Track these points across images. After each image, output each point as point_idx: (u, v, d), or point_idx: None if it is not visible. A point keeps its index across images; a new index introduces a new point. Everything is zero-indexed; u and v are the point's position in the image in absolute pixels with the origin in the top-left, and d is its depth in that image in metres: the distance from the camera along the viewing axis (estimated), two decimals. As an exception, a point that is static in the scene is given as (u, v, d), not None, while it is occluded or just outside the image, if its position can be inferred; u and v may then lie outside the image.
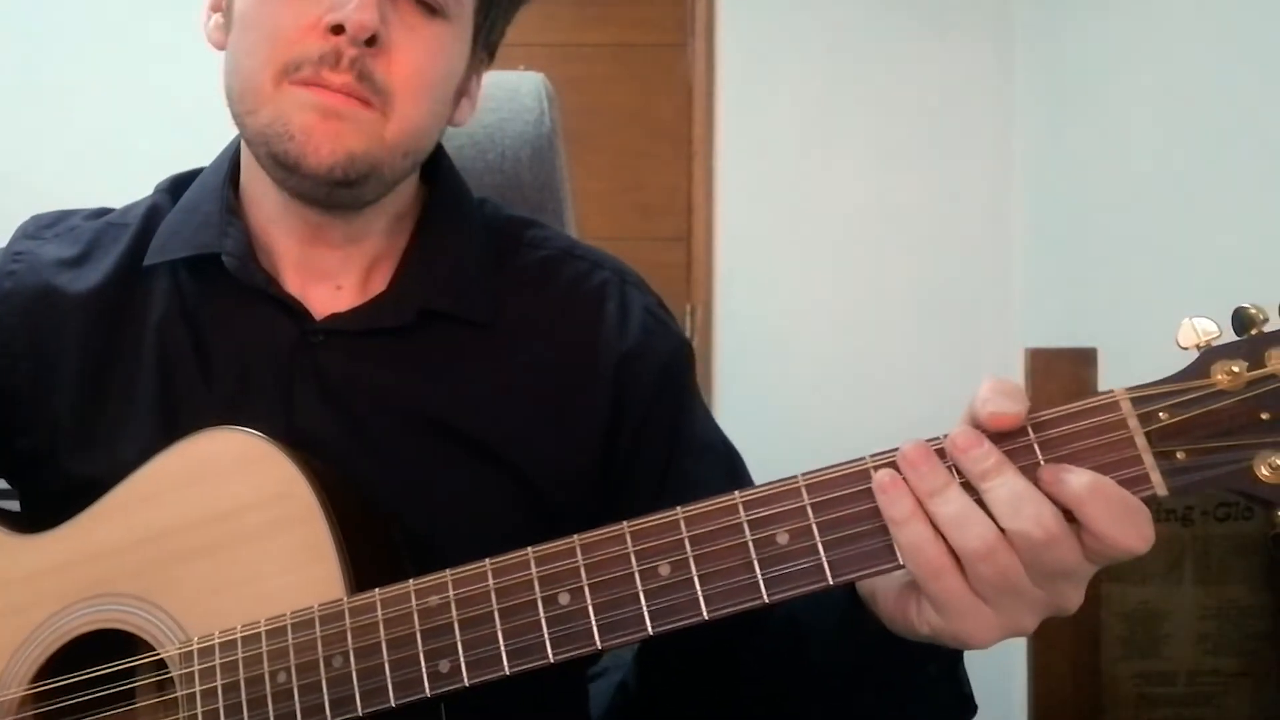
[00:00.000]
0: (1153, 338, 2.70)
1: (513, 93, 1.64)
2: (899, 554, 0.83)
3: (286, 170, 1.11)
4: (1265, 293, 2.30)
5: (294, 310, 1.17)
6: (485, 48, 1.24)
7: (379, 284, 1.20)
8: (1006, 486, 0.81)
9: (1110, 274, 3.09)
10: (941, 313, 3.75)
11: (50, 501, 1.12)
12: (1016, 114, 3.76)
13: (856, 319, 3.76)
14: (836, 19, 3.79)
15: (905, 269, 3.76)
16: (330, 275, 1.20)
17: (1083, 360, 1.82)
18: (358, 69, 1.07)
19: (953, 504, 0.81)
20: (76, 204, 1.32)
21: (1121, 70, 3.07)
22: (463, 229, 1.25)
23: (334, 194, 1.12)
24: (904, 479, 0.83)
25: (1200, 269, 2.64)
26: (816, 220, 3.77)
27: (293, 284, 1.19)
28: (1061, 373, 1.81)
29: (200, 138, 1.35)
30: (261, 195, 1.20)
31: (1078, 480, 0.80)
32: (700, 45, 3.84)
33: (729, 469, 1.23)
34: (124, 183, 1.41)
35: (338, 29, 1.06)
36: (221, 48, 1.17)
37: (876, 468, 0.85)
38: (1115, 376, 1.83)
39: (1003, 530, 0.80)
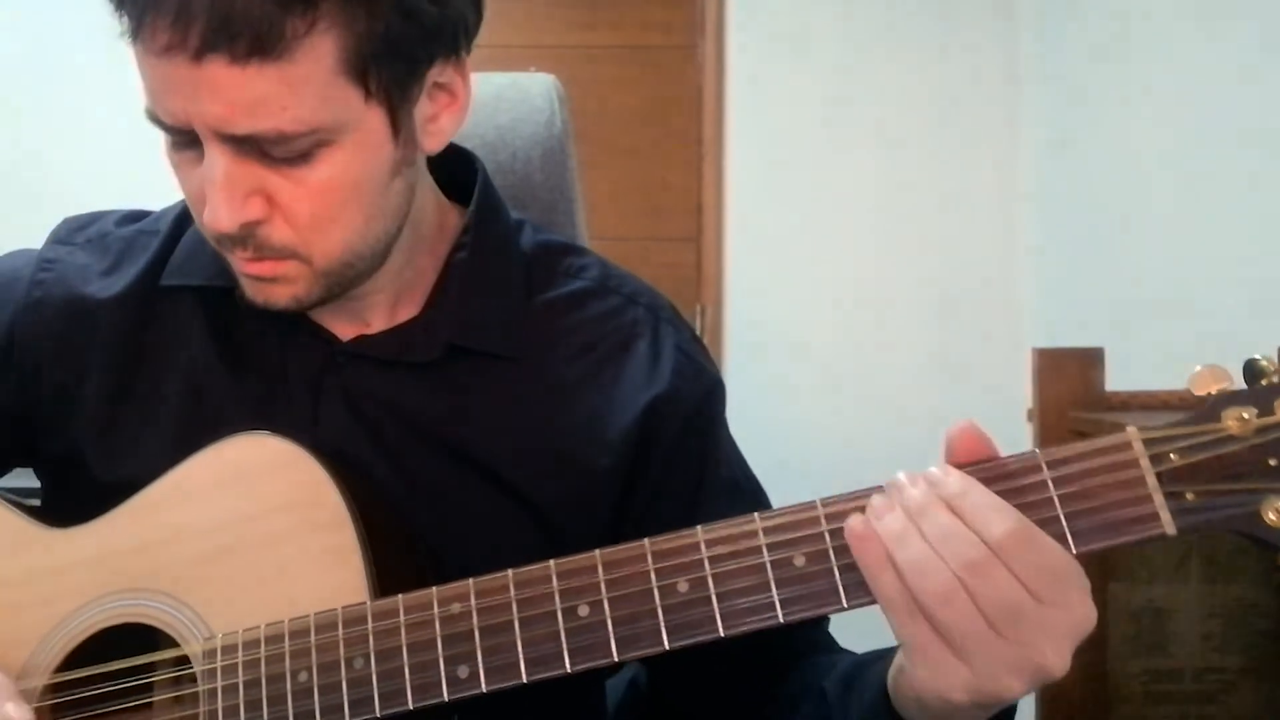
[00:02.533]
0: (1159, 338, 2.70)
1: (524, 94, 1.63)
2: (879, 602, 0.84)
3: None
4: (1271, 293, 2.30)
5: (319, 332, 1.17)
6: (413, 98, 1.08)
7: (409, 310, 1.18)
8: (937, 523, 0.82)
9: (1117, 275, 3.09)
10: (950, 313, 3.75)
11: (79, 503, 1.12)
12: (1023, 115, 3.75)
13: (865, 319, 3.76)
14: (844, 22, 3.79)
15: (913, 270, 3.76)
16: (356, 315, 1.18)
17: (1089, 360, 1.83)
18: (251, 245, 1.03)
19: (911, 549, 0.83)
20: (94, 206, 1.30)
21: (1128, 70, 3.07)
22: (500, 261, 1.22)
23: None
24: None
25: (1207, 269, 2.64)
26: (825, 220, 3.78)
27: (318, 313, 1.17)
28: (1068, 373, 1.81)
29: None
30: None
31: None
32: (710, 47, 3.84)
33: (753, 508, 1.22)
34: (142, 184, 1.41)
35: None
36: None
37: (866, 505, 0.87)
38: (1121, 377, 1.84)
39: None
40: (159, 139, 1.03)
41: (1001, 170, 3.77)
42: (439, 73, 1.08)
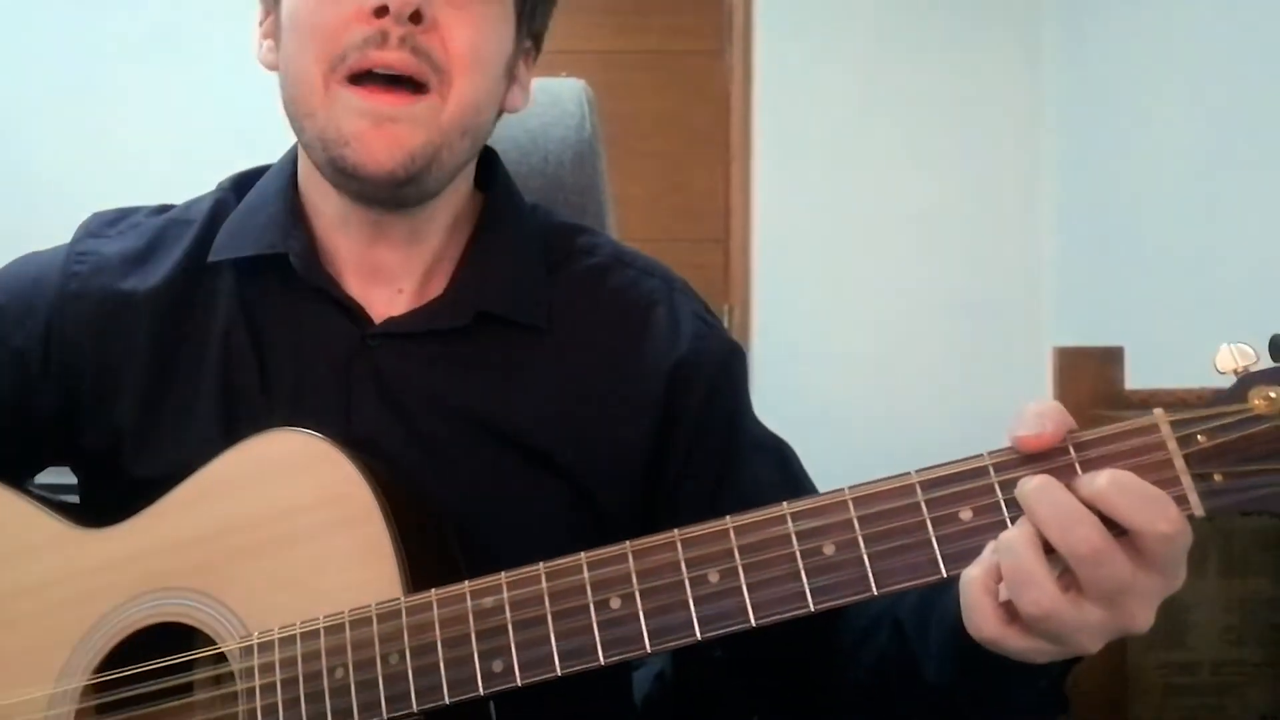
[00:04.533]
0: (1179, 337, 2.69)
1: (555, 98, 1.63)
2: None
3: (346, 176, 1.10)
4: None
5: (353, 313, 1.16)
6: (530, 34, 1.22)
7: (437, 288, 1.19)
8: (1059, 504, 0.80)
9: (1138, 274, 3.08)
10: (972, 312, 3.75)
11: (115, 498, 1.11)
12: (1045, 118, 3.74)
13: (889, 317, 3.76)
14: (869, 28, 3.79)
15: (937, 270, 3.76)
16: (392, 278, 1.19)
17: (1110, 359, 1.82)
18: (410, 45, 1.06)
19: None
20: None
21: (1149, 71, 3.05)
22: (517, 234, 1.23)
23: (397, 193, 1.12)
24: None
25: (1227, 269, 2.62)
26: (850, 221, 3.77)
27: (354, 287, 1.18)
28: (1089, 371, 1.80)
29: (258, 145, 1.34)
30: (321, 200, 1.19)
31: (1099, 479, 0.79)
32: (737, 53, 3.84)
33: (781, 463, 1.22)
34: (183, 190, 1.40)
35: (381, 10, 1.05)
36: (274, 69, 1.17)
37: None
38: (1142, 375, 1.82)
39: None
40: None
41: (1023, 172, 3.76)
42: (527, 48, 1.22)
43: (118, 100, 3.70)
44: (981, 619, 0.81)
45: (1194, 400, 1.86)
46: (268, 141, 1.31)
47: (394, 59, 1.06)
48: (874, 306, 3.77)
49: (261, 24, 1.19)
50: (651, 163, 3.82)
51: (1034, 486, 0.80)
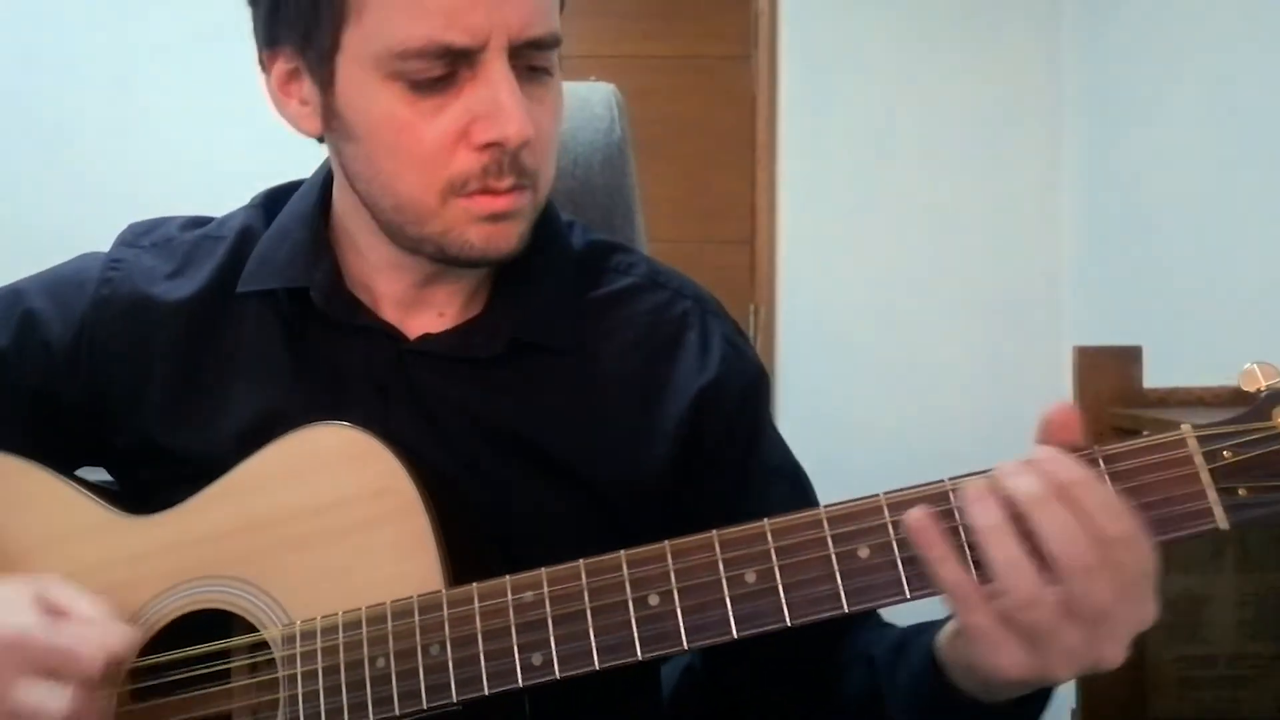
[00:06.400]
0: (1197, 337, 2.69)
1: (584, 102, 1.62)
2: (942, 587, 0.84)
3: (459, 264, 1.11)
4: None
5: (387, 331, 1.17)
6: None
7: (476, 306, 1.19)
8: (1056, 519, 0.82)
9: (1157, 275, 3.07)
10: (994, 313, 3.74)
11: (150, 497, 1.12)
12: (1066, 120, 3.73)
13: (912, 318, 3.75)
14: (893, 32, 3.78)
15: (959, 271, 3.75)
16: (435, 306, 1.19)
17: (1129, 358, 1.82)
18: (517, 168, 1.05)
19: (1008, 546, 0.83)
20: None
21: (1169, 74, 3.04)
22: (553, 256, 1.23)
23: None
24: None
25: (1245, 270, 2.62)
26: (874, 223, 3.77)
27: (390, 312, 1.18)
28: (1108, 370, 1.80)
29: (289, 154, 1.34)
30: (366, 247, 1.18)
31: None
32: (763, 57, 3.83)
33: (795, 490, 1.22)
34: (218, 190, 1.41)
35: (496, 143, 1.04)
36: (315, 135, 1.14)
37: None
38: (1160, 375, 1.83)
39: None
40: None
41: (1044, 175, 3.75)
42: None
43: (156, 102, 3.72)
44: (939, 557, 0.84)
45: (1211, 399, 1.86)
46: (302, 145, 1.32)
47: (505, 186, 1.05)
48: (897, 306, 3.76)
49: (266, 67, 1.16)
50: (679, 165, 3.81)
51: (970, 495, 0.84)
